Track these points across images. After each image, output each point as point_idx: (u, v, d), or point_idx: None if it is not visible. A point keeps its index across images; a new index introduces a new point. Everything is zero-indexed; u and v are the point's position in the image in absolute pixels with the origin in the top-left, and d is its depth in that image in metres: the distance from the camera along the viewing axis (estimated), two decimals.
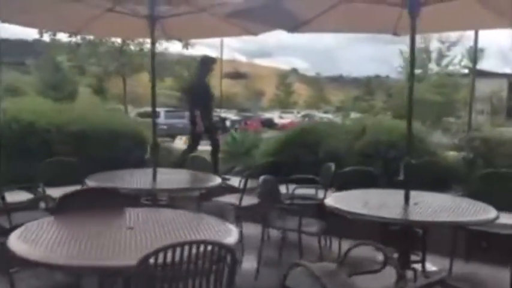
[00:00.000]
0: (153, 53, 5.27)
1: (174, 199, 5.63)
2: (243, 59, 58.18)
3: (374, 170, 5.71)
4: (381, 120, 8.85)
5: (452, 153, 6.54)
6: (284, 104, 54.86)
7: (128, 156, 6.66)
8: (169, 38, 9.07)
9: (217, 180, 5.14)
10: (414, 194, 4.12)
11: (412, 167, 4.09)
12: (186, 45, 24.22)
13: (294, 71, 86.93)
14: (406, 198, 4.07)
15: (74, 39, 23.18)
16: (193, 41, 23.93)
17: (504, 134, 6.77)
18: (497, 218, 3.81)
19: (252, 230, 5.19)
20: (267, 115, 38.84)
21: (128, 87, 28.03)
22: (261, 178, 4.75)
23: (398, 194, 4.12)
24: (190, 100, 7.76)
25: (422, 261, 4.31)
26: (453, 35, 25.43)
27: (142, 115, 21.21)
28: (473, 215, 3.85)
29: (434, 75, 25.83)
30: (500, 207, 3.97)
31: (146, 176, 5.05)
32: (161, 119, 32.67)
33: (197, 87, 7.57)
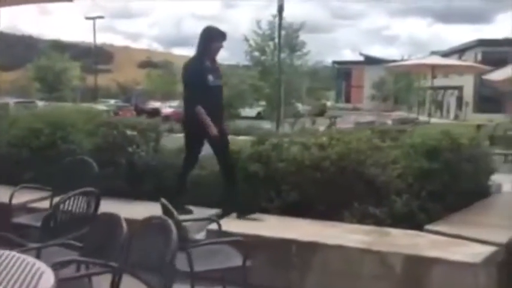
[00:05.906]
0: None
1: None
2: (159, 48, 56.21)
3: None
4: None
5: None
6: (170, 93, 52.20)
7: None
8: None
9: None
10: None
11: None
12: None
13: None
14: None
15: None
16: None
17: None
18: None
19: None
20: (157, 104, 38.40)
21: None
22: None
23: None
24: (184, 90, 5.32)
25: None
26: (296, 21, 25.94)
27: None
28: None
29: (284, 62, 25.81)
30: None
31: None
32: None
33: (190, 73, 5.19)
